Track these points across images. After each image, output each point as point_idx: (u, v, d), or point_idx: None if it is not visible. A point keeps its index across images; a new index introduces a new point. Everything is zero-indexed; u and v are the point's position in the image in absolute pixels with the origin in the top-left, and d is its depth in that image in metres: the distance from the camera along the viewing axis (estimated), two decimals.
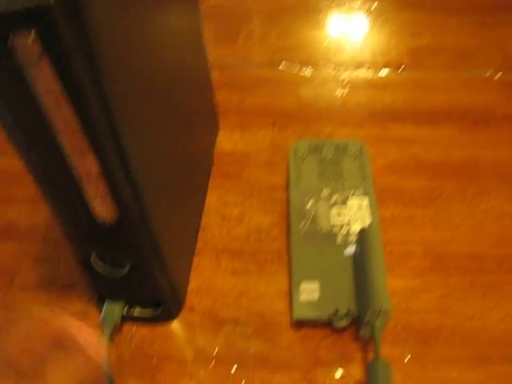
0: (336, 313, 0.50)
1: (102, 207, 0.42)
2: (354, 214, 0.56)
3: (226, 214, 0.60)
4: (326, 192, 0.57)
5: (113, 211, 0.42)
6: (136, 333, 0.53)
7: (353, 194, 0.57)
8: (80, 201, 0.41)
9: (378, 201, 0.58)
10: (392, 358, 0.49)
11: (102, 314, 0.51)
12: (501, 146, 0.64)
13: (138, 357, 0.51)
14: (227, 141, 0.66)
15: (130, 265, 0.47)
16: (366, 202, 0.56)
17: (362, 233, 0.51)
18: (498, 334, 0.51)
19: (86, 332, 0.43)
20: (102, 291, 0.52)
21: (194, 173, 0.58)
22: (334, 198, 0.57)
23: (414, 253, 0.56)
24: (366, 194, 0.57)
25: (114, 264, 0.48)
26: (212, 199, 0.61)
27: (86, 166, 0.38)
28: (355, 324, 0.50)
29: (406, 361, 0.50)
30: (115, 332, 0.52)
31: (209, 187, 0.62)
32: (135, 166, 0.40)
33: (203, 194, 0.61)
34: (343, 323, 0.50)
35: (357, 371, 0.49)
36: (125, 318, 0.53)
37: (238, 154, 0.65)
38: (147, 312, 0.52)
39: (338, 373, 0.49)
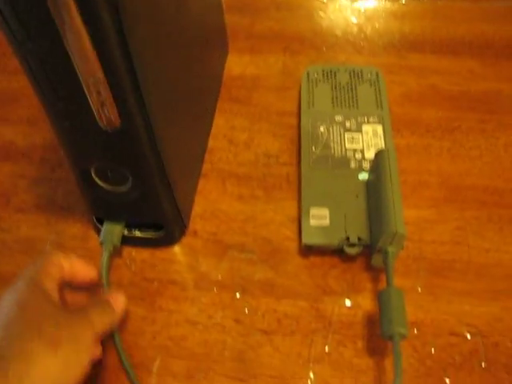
0: (347, 239, 0.48)
1: (105, 112, 0.39)
2: (369, 141, 0.53)
3: (234, 138, 0.57)
4: (339, 117, 0.55)
5: (116, 117, 0.39)
6: (137, 257, 0.51)
7: (367, 121, 0.54)
8: (82, 103, 0.38)
9: (394, 130, 0.56)
10: (403, 289, 0.47)
11: (102, 235, 0.49)
12: None
13: (138, 281, 0.49)
14: (236, 64, 0.63)
15: (132, 180, 0.45)
16: (380, 129, 0.54)
17: (379, 155, 0.48)
18: None
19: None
20: (101, 212, 0.50)
21: (201, 94, 0.55)
22: (348, 123, 0.54)
23: (429, 183, 0.53)
24: (380, 121, 0.54)
25: (116, 180, 0.46)
26: (219, 123, 0.58)
27: (89, 65, 0.35)
28: (366, 253, 0.48)
29: (418, 292, 0.48)
30: (115, 255, 0.50)
31: (216, 111, 0.59)
32: (141, 72, 0.37)
33: (211, 116, 0.58)
34: (354, 250, 0.48)
35: (366, 301, 0.47)
36: (125, 242, 0.50)
37: (247, 78, 0.61)
38: (149, 234, 0.50)
39: (347, 302, 0.47)
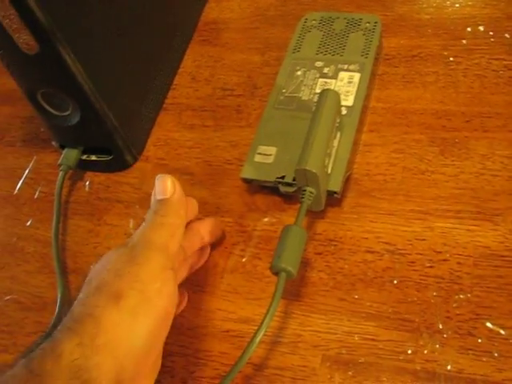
0: (283, 178, 0.48)
1: (22, 37, 0.45)
2: (341, 87, 0.52)
3: (197, 75, 0.60)
4: (320, 63, 0.54)
5: (33, 41, 0.45)
6: (94, 180, 0.56)
7: (347, 68, 0.53)
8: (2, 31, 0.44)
9: None
10: (328, 213, 0.48)
11: (60, 159, 0.55)
12: (500, 2, 0.57)
13: (91, 200, 0.55)
14: (213, 10, 0.65)
15: (72, 104, 0.50)
16: (357, 77, 0.52)
17: (320, 94, 0.47)
18: (447, 190, 0.47)
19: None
20: (59, 138, 0.56)
21: (161, 35, 0.59)
22: (327, 69, 0.54)
23: (374, 108, 0.53)
24: (361, 70, 0.53)
25: (60, 106, 0.51)
26: (187, 63, 0.62)
27: None
28: None
29: (342, 211, 0.48)
30: (77, 179, 0.56)
31: (187, 52, 0.63)
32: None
33: (177, 56, 0.61)
34: (288, 189, 0.48)
35: (290, 219, 0.48)
36: (86, 167, 0.56)
37: (220, 22, 0.64)
38: (102, 158, 0.55)
39: (270, 219, 0.49)
